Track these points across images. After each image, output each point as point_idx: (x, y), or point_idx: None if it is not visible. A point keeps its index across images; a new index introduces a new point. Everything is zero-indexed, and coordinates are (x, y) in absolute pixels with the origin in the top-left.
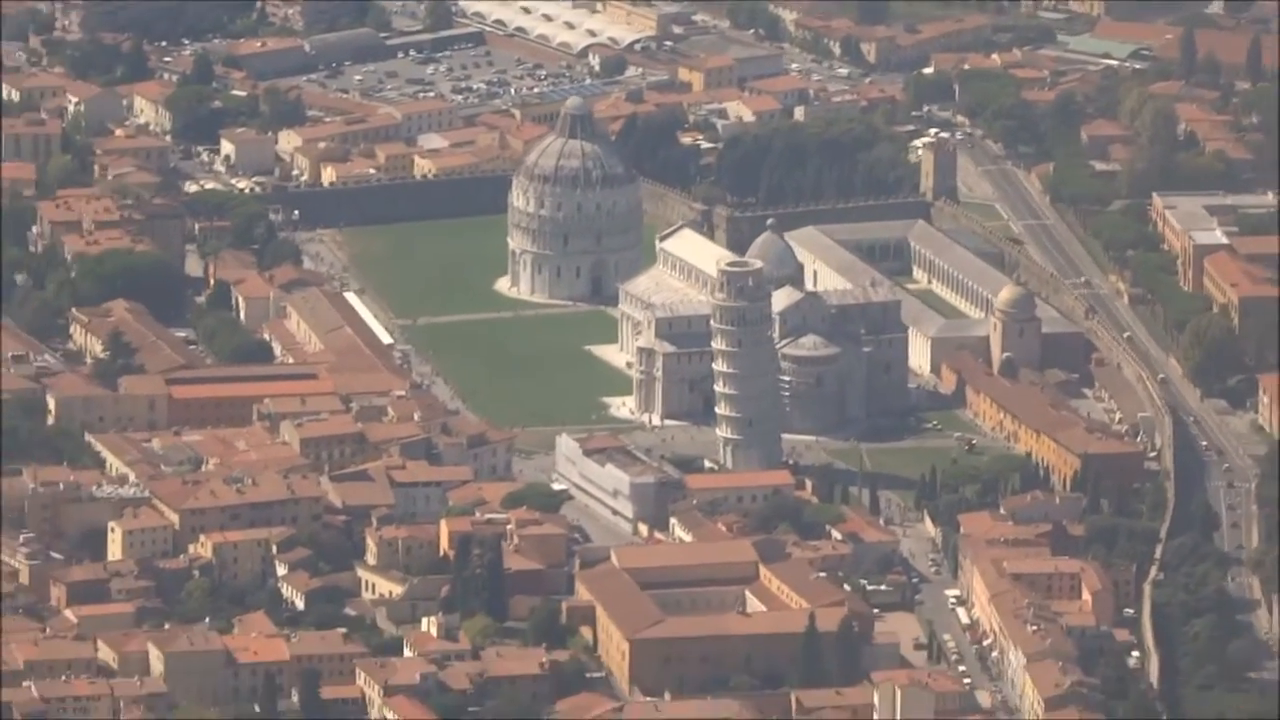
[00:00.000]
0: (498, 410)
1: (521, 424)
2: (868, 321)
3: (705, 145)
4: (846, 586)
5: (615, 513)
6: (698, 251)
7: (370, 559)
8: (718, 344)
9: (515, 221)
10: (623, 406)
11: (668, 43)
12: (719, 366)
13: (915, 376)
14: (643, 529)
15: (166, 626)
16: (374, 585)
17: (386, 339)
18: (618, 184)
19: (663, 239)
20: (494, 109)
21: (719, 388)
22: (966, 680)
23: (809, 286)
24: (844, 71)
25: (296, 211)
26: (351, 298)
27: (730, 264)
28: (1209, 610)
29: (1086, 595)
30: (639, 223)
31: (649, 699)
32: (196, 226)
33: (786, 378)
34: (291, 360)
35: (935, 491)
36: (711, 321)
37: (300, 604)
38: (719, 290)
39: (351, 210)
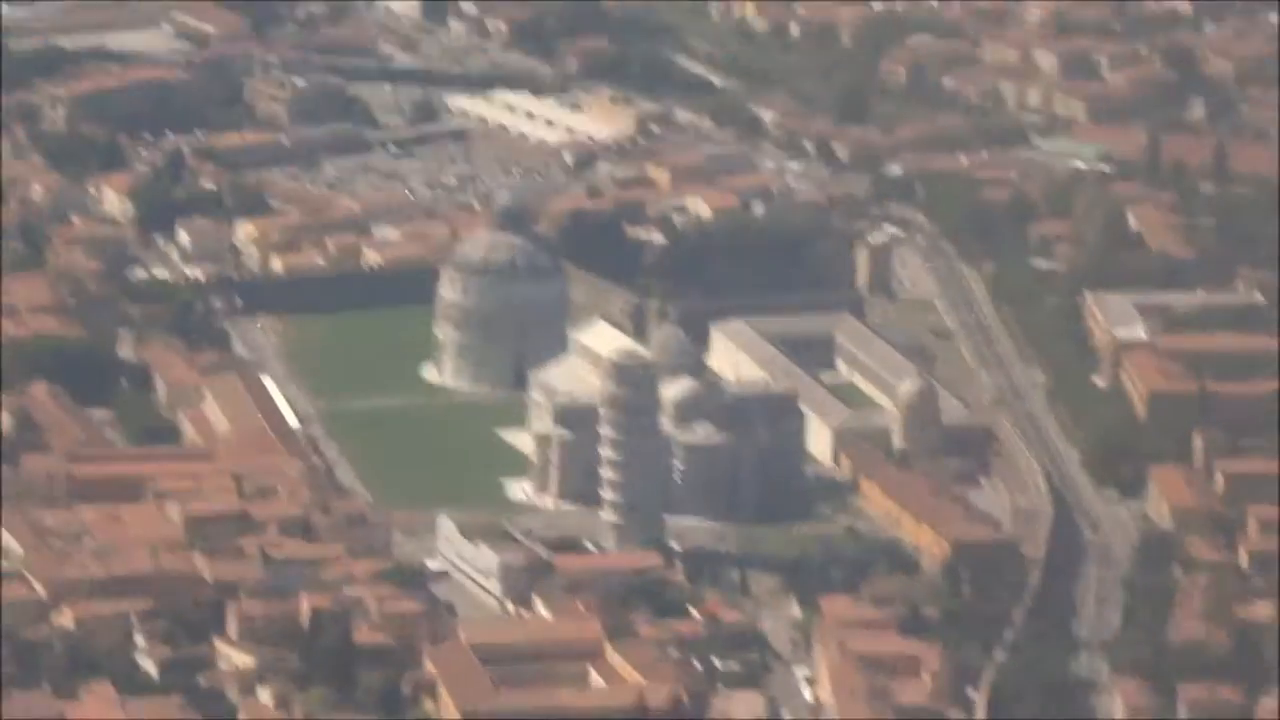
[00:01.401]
0: (395, 491)
1: (415, 505)
2: (765, 411)
3: (658, 240)
4: (696, 664)
5: (486, 592)
6: (608, 342)
7: (231, 632)
8: (605, 431)
9: (442, 311)
10: (520, 489)
11: (641, 140)
12: (605, 453)
13: (815, 465)
14: (510, 607)
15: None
16: (230, 657)
17: (294, 422)
18: (543, 277)
19: (577, 330)
20: (453, 204)
21: (604, 473)
22: None
23: (733, 379)
24: (816, 170)
25: (239, 300)
26: (268, 382)
27: (619, 354)
28: (1046, 692)
29: (926, 676)
30: (563, 315)
31: None
32: (136, 312)
33: (679, 464)
34: (200, 441)
35: (803, 574)
36: (600, 409)
37: (154, 674)
38: (607, 379)
39: (294, 299)
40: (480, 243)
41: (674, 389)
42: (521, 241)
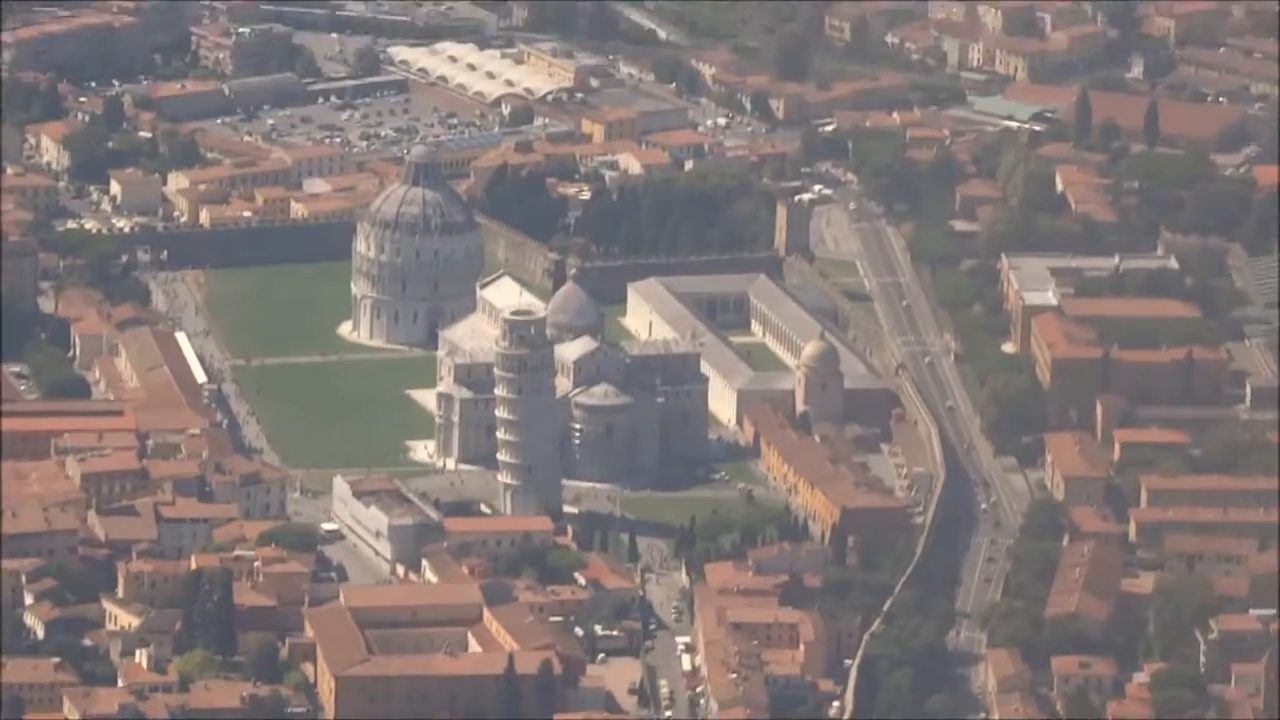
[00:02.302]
0: (301, 451)
1: (319, 465)
2: (666, 373)
3: (583, 197)
4: (578, 631)
5: (377, 553)
6: (513, 300)
7: (119, 592)
8: (499, 391)
9: (358, 267)
10: (424, 450)
11: (579, 95)
12: (500, 413)
13: (719, 428)
14: (400, 570)
15: None
16: (116, 617)
17: (202, 378)
18: (457, 232)
19: (483, 286)
20: (386, 156)
21: (500, 434)
22: None
23: (646, 338)
24: (749, 127)
25: (165, 252)
26: (181, 338)
27: (513, 312)
28: (918, 663)
29: (802, 645)
30: (477, 270)
31: None
32: (61, 265)
33: (577, 425)
34: (111, 397)
35: (693, 540)
36: (494, 369)
37: (40, 633)
38: (502, 338)
39: (219, 252)
40: (394, 198)
41: (573, 349)
42: (435, 196)
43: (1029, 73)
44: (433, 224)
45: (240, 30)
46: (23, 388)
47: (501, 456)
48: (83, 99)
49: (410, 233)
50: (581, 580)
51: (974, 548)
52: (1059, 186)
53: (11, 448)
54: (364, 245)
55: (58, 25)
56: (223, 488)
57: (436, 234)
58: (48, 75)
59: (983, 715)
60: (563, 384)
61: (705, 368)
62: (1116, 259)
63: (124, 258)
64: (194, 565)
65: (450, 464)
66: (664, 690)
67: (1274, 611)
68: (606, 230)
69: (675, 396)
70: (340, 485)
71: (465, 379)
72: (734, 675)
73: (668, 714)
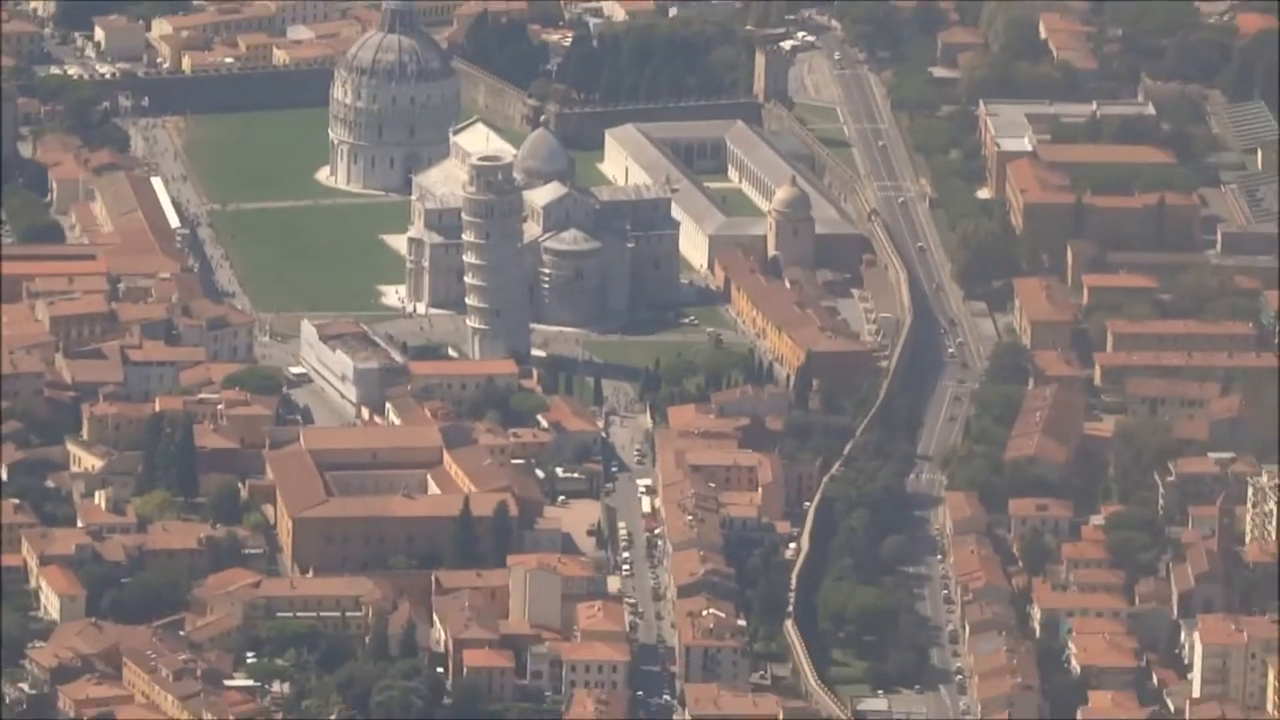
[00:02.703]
0: (272, 295)
1: (290, 309)
2: (636, 218)
3: (564, 44)
4: (539, 473)
5: (343, 396)
6: (485, 146)
7: (84, 435)
8: (467, 236)
9: (335, 113)
10: (395, 294)
11: None
12: (468, 258)
13: (691, 273)
14: (364, 412)
15: None
16: (80, 459)
17: (175, 223)
18: (433, 78)
19: (456, 132)
20: (371, 4)
21: (468, 279)
22: (627, 567)
23: (621, 183)
24: None
25: (146, 98)
26: (157, 183)
27: (481, 158)
28: (875, 505)
29: (760, 488)
30: (453, 116)
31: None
32: (41, 110)
33: (546, 270)
34: (86, 241)
35: (658, 384)
36: (462, 214)
37: (3, 475)
38: (469, 184)
39: (200, 98)
40: (370, 44)
41: (543, 194)
42: (411, 43)
43: None
44: (409, 70)
45: None
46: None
47: (469, 301)
48: None
49: (386, 79)
50: (544, 423)
51: (939, 391)
52: (1042, 34)
53: None
54: (341, 92)
55: None
56: (190, 331)
57: (413, 80)
58: None
59: (939, 557)
60: (532, 229)
61: (678, 213)
62: (1094, 105)
63: (104, 104)
64: (157, 408)
65: (421, 308)
66: (622, 532)
67: (1231, 455)
68: (586, 77)
69: (646, 241)
70: (308, 329)
71: (436, 224)
72: (690, 517)
73: (625, 555)
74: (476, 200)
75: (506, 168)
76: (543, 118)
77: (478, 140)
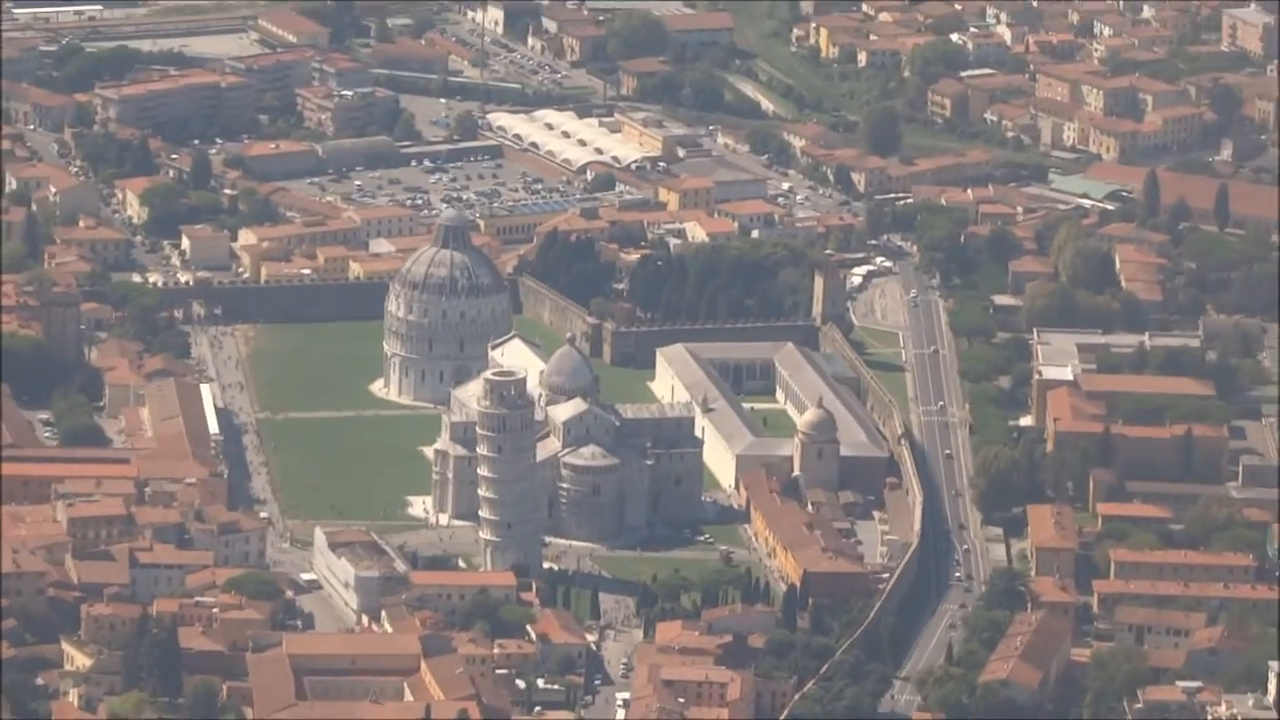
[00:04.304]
0: (302, 502)
1: (316, 516)
2: (659, 436)
3: (631, 263)
4: (520, 683)
5: (346, 604)
6: (521, 361)
7: (82, 633)
8: (481, 450)
9: (389, 326)
10: (421, 505)
11: (663, 164)
12: (481, 471)
13: (716, 491)
14: (364, 620)
15: None
16: (74, 658)
17: (214, 429)
18: (484, 293)
19: (494, 347)
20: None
21: (481, 491)
22: None
23: (667, 400)
24: (826, 199)
25: (219, 307)
26: (205, 389)
27: (494, 373)
28: None
29: (728, 704)
30: (504, 332)
31: None
32: (113, 316)
33: (564, 485)
34: (126, 445)
35: (655, 600)
36: (476, 428)
37: None
38: (483, 398)
39: (271, 308)
40: (424, 259)
41: (564, 410)
42: (463, 259)
43: (1119, 153)
44: (459, 285)
45: (343, 93)
46: (47, 434)
47: (482, 513)
48: (174, 156)
49: (437, 293)
50: (531, 634)
51: (939, 614)
52: (1116, 265)
53: (16, 492)
54: (394, 305)
55: (166, 84)
56: (201, 535)
57: (463, 295)
58: (148, 132)
59: None
60: (553, 444)
61: (709, 431)
62: (1145, 336)
63: (171, 311)
64: (155, 610)
65: (444, 519)
66: None
67: (1199, 685)
68: (650, 296)
69: (668, 459)
70: (319, 536)
71: (460, 436)
72: None
73: None
74: (489, 414)
75: (520, 383)
76: (568, 336)
77: (516, 356)
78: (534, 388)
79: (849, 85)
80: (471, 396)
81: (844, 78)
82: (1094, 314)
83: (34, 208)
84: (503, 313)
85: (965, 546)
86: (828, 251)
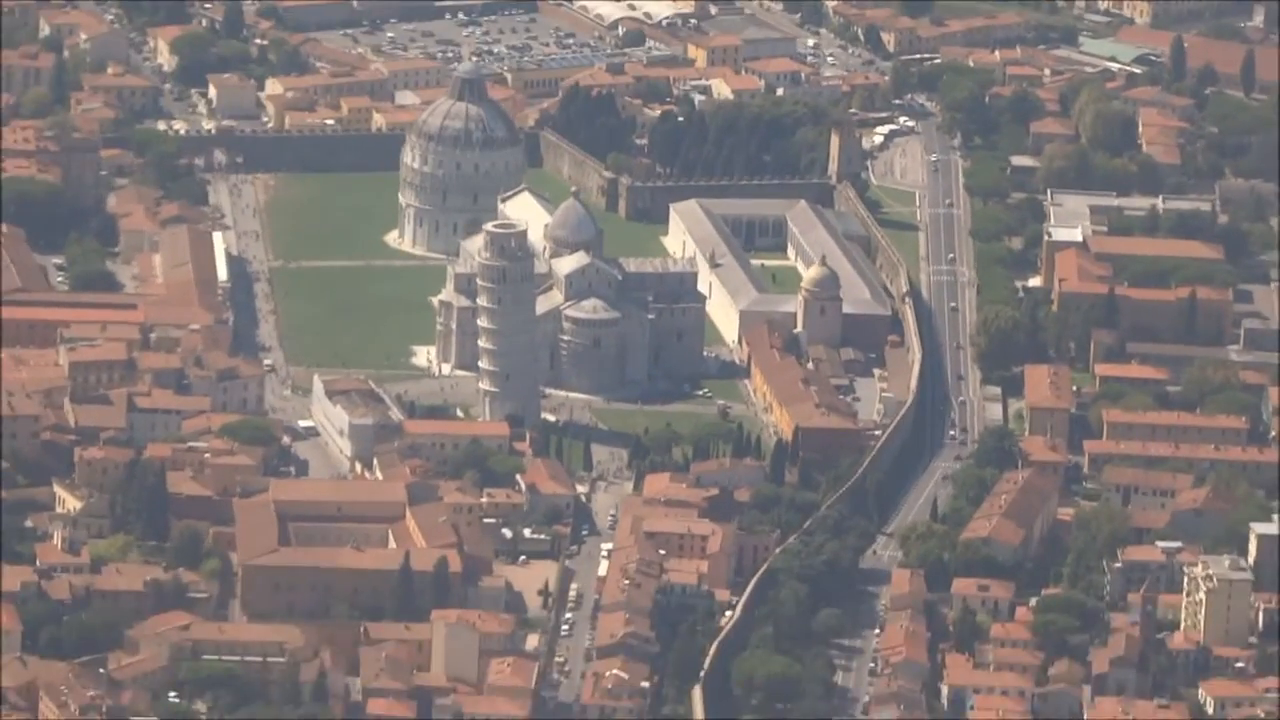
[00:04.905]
0: (308, 350)
1: (319, 364)
2: (661, 290)
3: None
4: (507, 533)
5: (341, 451)
6: (528, 214)
7: (75, 478)
8: (481, 301)
9: (405, 177)
10: (425, 355)
11: (694, 20)
12: (481, 322)
13: (720, 346)
14: (358, 467)
15: None
16: (65, 501)
17: (223, 276)
18: (498, 146)
19: (503, 200)
20: (488, 75)
21: (480, 342)
22: (567, 627)
23: (678, 255)
24: (858, 56)
25: (241, 155)
26: (217, 237)
27: (495, 225)
28: (816, 578)
29: (708, 557)
30: (517, 183)
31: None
32: (135, 162)
33: (566, 338)
34: (137, 290)
35: (646, 452)
36: (476, 279)
37: None
38: (484, 250)
39: (292, 158)
40: (439, 111)
41: (567, 263)
42: (478, 111)
43: (1152, 17)
44: (474, 138)
45: None
46: (59, 279)
47: (481, 364)
48: (207, 5)
49: (452, 145)
50: (521, 484)
51: (929, 471)
52: (1139, 128)
53: (21, 336)
54: (410, 156)
55: None
56: (200, 381)
57: (478, 148)
58: None
59: (877, 631)
60: (556, 297)
61: (715, 287)
62: (1160, 199)
63: (187, 159)
64: (146, 454)
65: (447, 369)
66: (573, 593)
67: (1179, 545)
68: (669, 152)
69: (670, 314)
70: (317, 384)
71: (464, 288)
72: (626, 581)
73: (568, 616)
74: (490, 266)
75: (520, 235)
76: (573, 189)
77: (521, 208)
78: (540, 240)
79: None
80: (478, 247)
81: None
82: (1111, 176)
83: (65, 54)
84: (517, 166)
85: (961, 398)
86: (851, 110)
